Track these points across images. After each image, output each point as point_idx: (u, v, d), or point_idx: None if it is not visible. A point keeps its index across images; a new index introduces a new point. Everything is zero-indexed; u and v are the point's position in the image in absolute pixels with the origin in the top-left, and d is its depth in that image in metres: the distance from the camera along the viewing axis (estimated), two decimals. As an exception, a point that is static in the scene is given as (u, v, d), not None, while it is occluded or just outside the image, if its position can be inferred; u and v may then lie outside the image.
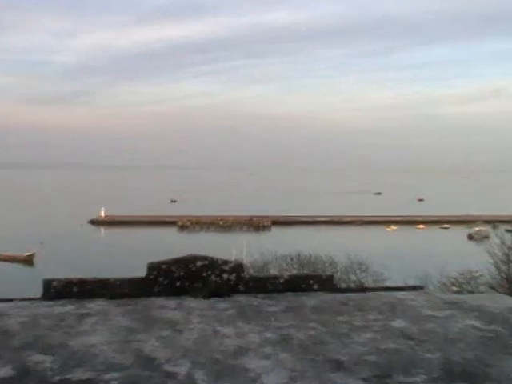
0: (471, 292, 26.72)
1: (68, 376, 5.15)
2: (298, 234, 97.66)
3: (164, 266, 8.58)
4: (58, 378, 5.11)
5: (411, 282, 18.62)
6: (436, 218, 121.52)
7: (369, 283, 30.55)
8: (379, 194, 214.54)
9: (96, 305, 7.90)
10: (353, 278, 32.74)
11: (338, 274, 31.07)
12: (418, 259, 62.45)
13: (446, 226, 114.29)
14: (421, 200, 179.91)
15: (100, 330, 6.66)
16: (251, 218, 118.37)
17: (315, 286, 8.86)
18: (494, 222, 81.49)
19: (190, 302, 8.06)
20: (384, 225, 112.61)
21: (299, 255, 36.19)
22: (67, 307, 7.79)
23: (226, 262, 8.88)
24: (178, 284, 8.59)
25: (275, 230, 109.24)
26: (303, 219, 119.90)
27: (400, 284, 11.02)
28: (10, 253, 71.29)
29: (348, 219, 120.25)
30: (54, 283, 8.32)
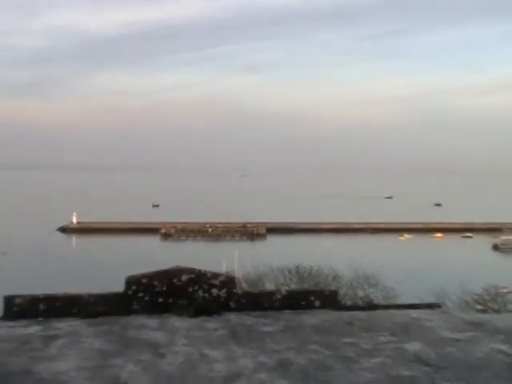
0: (497, 311, 26.77)
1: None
2: (298, 243, 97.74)
3: (144, 280, 8.55)
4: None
5: (427, 299, 18.67)
6: (456, 226, 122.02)
7: (378, 300, 30.59)
8: (390, 197, 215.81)
9: (66, 325, 7.87)
10: (360, 293, 32.77)
11: (343, 289, 31.11)
12: (436, 273, 62.65)
13: (468, 234, 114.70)
14: (438, 205, 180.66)
15: (70, 354, 6.64)
16: (244, 225, 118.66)
17: (317, 303, 8.86)
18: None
19: (175, 321, 8.06)
20: (396, 233, 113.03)
21: (298, 267, 36.20)
22: (32, 328, 7.76)
23: (215, 276, 8.87)
24: (160, 300, 8.58)
25: (271, 238, 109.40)
26: (303, 226, 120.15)
27: (414, 301, 11.04)
28: None
29: (355, 227, 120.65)
30: (17, 300, 8.30)
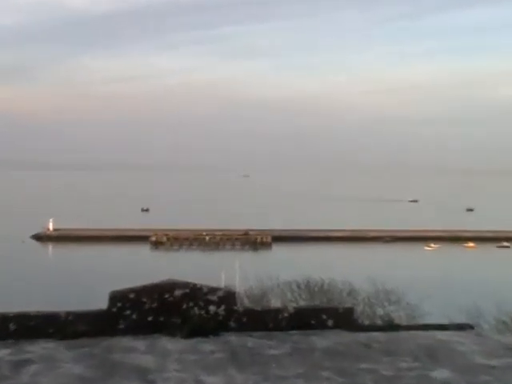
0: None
1: None
2: (307, 253, 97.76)
3: (132, 296, 8.50)
4: None
5: (458, 319, 18.60)
6: (491, 234, 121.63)
7: (400, 319, 30.56)
8: (415, 201, 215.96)
9: (40, 347, 7.85)
10: (379, 311, 32.73)
11: (360, 306, 31.08)
12: (468, 288, 62.47)
13: (505, 244, 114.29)
14: (470, 210, 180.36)
15: (44, 381, 6.61)
16: (246, 232, 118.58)
17: (329, 323, 8.81)
18: None
19: (166, 343, 8.05)
20: (422, 242, 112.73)
21: (308, 281, 36.15)
22: (0, 352, 7.75)
23: (212, 291, 8.83)
24: (149, 319, 8.53)
25: (277, 248, 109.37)
26: (313, 234, 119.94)
27: (443, 321, 11.00)
28: None
29: (373, 234, 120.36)
30: (-15, 319, 8.32)
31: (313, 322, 8.86)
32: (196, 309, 8.70)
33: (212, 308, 8.76)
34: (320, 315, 9.00)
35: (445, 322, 10.82)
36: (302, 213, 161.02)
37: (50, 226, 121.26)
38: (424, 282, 64.20)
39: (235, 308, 8.89)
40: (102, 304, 8.68)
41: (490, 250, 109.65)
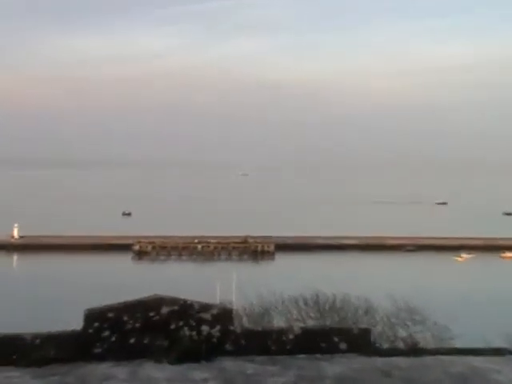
0: None
1: None
2: (316, 264, 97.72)
3: (110, 315, 8.48)
4: None
5: (495, 343, 18.56)
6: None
7: (426, 342, 30.54)
8: (444, 203, 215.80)
9: (2, 377, 7.72)
10: (401, 333, 32.65)
11: (378, 327, 31.02)
12: (506, 306, 62.41)
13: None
14: (509, 214, 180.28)
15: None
16: (245, 239, 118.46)
17: (342, 346, 8.82)
18: None
19: (151, 370, 7.99)
20: (451, 251, 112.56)
21: (318, 297, 36.08)
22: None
23: (205, 308, 8.81)
24: (131, 341, 8.52)
25: (281, 257, 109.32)
26: (322, 242, 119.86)
27: (477, 345, 10.98)
28: None
29: (393, 242, 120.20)
30: None
31: (323, 344, 8.83)
32: (186, 329, 8.68)
33: (205, 328, 8.73)
34: (331, 337, 8.98)
35: (479, 345, 10.82)
36: (309, 217, 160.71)
37: (15, 233, 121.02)
38: (454, 298, 64.24)
39: (232, 328, 8.82)
40: (75, 324, 8.68)
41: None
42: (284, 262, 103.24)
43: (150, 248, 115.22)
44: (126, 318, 8.68)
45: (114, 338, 8.62)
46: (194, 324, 8.81)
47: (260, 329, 12.00)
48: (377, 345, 10.33)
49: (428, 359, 8.80)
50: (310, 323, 30.54)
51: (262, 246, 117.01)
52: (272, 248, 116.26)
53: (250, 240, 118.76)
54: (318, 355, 8.57)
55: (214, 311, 8.99)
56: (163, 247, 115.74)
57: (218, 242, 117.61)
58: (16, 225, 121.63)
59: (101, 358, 8.32)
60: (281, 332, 9.23)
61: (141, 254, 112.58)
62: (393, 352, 10.36)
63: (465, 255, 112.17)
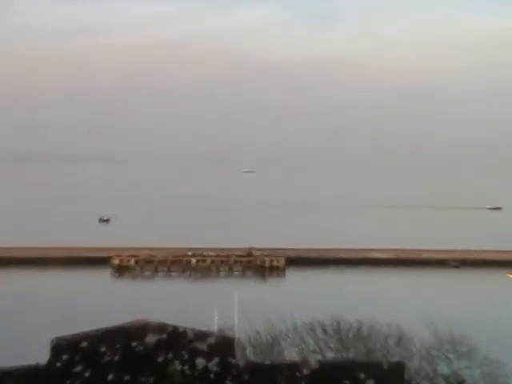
0: None
1: None
2: (335, 282, 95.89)
3: (84, 344, 7.91)
4: None
5: None
6: None
7: (474, 380, 29.80)
8: (498, 209, 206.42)
9: None
10: (443, 369, 31.91)
11: (415, 360, 30.19)
12: None
13: None
14: None
15: None
16: (249, 251, 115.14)
17: (369, 383, 8.22)
18: None
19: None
20: (505, 268, 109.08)
21: (339, 324, 35.33)
22: None
23: (201, 336, 8.22)
24: (110, 378, 7.96)
25: (292, 274, 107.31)
26: (343, 256, 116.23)
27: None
28: None
29: (433, 256, 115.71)
30: None
31: (346, 381, 7.94)
32: (177, 363, 7.99)
33: (200, 361, 8.12)
34: (356, 372, 8.03)
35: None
36: (326, 225, 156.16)
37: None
38: (509, 325, 61.79)
39: (233, 361, 8.15)
40: (41, 356, 7.86)
41: None
42: (297, 280, 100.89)
43: (132, 262, 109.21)
44: (102, 349, 7.87)
45: (87, 374, 7.82)
46: (186, 356, 8.02)
47: (268, 362, 11.08)
48: (412, 382, 9.56)
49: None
50: (330, 355, 29.44)
51: (271, 260, 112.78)
52: (282, 262, 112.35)
53: (256, 253, 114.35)
54: (340, 395, 7.47)
55: (212, 340, 8.17)
56: (149, 261, 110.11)
57: (217, 255, 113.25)
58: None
59: (71, 399, 7.38)
60: (293, 366, 8.20)
61: (121, 270, 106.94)
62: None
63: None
